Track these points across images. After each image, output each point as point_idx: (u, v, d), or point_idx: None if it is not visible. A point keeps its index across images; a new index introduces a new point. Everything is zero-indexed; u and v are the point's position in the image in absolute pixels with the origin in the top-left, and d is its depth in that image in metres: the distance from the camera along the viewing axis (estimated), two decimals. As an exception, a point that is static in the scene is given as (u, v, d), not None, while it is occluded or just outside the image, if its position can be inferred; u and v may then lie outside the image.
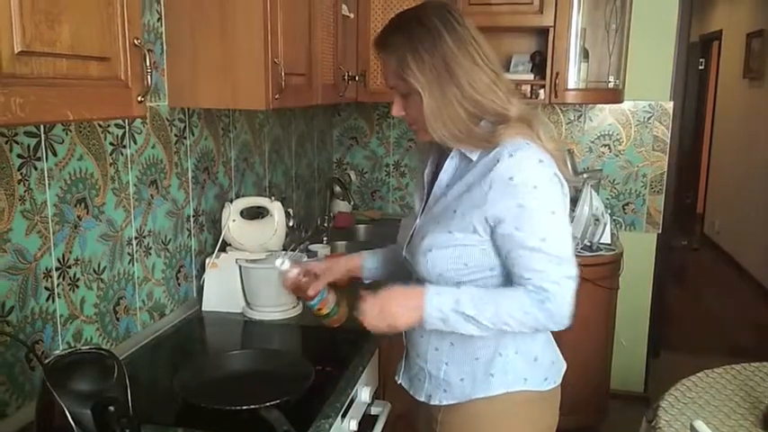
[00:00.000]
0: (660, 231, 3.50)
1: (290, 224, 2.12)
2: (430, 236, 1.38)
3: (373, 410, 1.82)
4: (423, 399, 1.52)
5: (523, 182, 1.27)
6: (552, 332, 1.48)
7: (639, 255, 3.45)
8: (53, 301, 1.49)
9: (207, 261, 2.08)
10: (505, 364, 1.41)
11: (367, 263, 1.68)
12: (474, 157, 1.34)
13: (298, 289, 1.56)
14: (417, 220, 1.47)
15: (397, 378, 1.63)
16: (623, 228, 3.50)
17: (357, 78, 2.88)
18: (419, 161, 1.58)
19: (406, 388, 1.59)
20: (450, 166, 1.40)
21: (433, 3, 1.39)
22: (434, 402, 1.48)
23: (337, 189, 3.24)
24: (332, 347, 1.85)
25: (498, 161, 1.29)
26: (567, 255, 1.30)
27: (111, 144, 1.66)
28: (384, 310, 1.34)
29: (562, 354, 1.55)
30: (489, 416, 1.43)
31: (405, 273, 1.52)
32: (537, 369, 1.43)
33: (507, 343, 1.40)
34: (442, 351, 1.46)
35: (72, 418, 1.07)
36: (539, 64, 3.25)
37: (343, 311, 1.60)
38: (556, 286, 1.28)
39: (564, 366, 1.53)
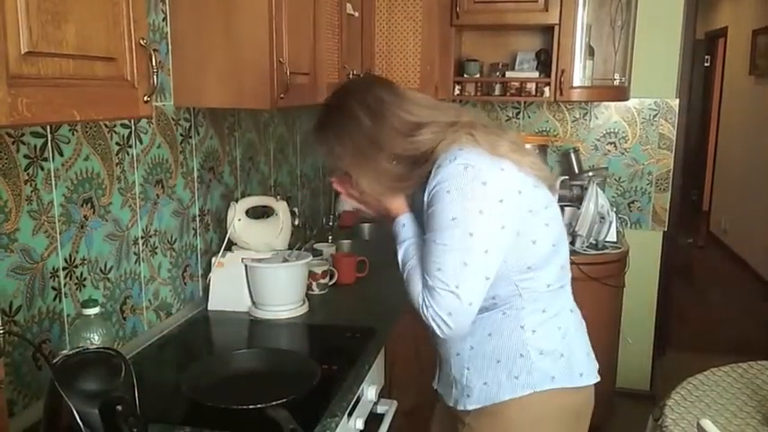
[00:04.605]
0: (666, 229, 3.50)
1: (296, 223, 2.12)
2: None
3: (379, 409, 1.82)
4: (451, 404, 1.53)
5: (441, 187, 1.33)
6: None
7: (645, 253, 3.44)
8: (60, 300, 1.49)
9: (213, 260, 2.08)
10: (529, 365, 1.41)
11: None
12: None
13: None
14: None
15: (434, 384, 1.64)
16: (629, 226, 3.49)
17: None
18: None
19: (441, 394, 1.60)
20: (415, 203, 1.48)
21: (351, 84, 1.61)
22: (460, 408, 1.49)
23: (342, 188, 3.23)
24: (338, 346, 1.85)
25: (431, 176, 1.36)
26: (450, 263, 1.31)
27: (117, 144, 1.67)
28: (375, 200, 1.49)
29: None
30: (517, 418, 1.43)
31: None
32: (567, 367, 1.44)
33: (528, 345, 1.41)
34: (463, 356, 1.47)
35: (80, 417, 1.07)
36: (544, 62, 3.25)
37: None
38: (431, 287, 1.32)
39: (593, 359, 1.55)
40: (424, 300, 1.34)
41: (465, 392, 1.47)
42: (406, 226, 1.46)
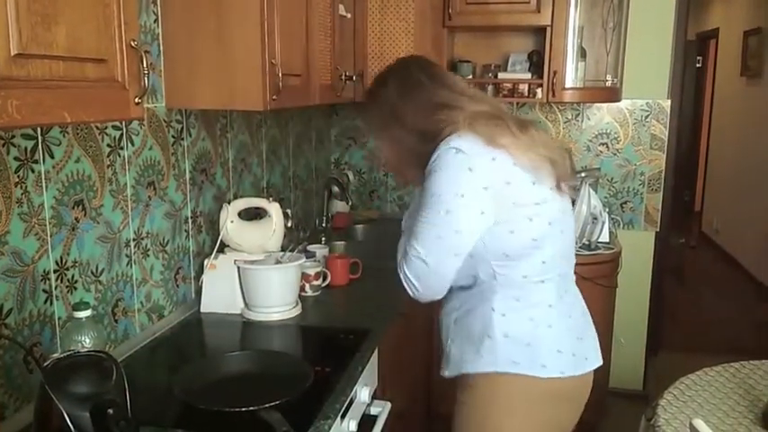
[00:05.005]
0: (658, 230, 3.51)
1: (289, 225, 2.12)
2: None
3: (373, 410, 1.82)
4: (442, 373, 1.66)
5: (433, 167, 1.45)
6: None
7: (638, 253, 3.45)
8: (51, 303, 1.49)
9: (205, 262, 2.07)
10: (494, 346, 1.50)
11: None
12: None
13: None
14: None
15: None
16: (621, 226, 3.50)
17: (355, 78, 2.87)
18: None
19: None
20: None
21: (399, 62, 1.67)
22: (444, 374, 1.64)
23: (335, 189, 3.23)
24: (331, 348, 1.85)
25: (431, 156, 1.48)
26: (425, 235, 1.46)
27: (108, 146, 1.66)
28: (397, 169, 1.75)
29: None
30: (487, 393, 1.54)
31: None
32: (530, 355, 1.49)
33: (495, 326, 1.50)
34: (449, 328, 1.62)
35: (70, 420, 1.07)
36: (536, 63, 3.25)
37: None
38: (409, 253, 1.50)
39: (588, 362, 1.56)
40: (401, 262, 1.53)
41: (447, 360, 1.63)
42: (415, 198, 1.61)
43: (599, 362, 1.60)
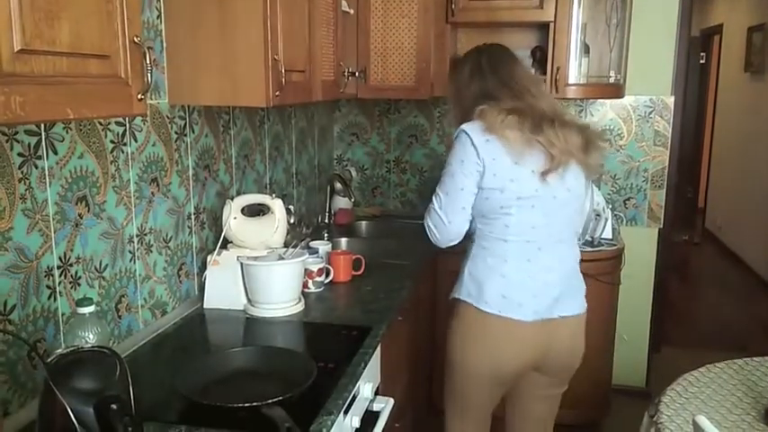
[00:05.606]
0: (661, 226, 3.50)
1: (291, 221, 2.12)
2: None
3: (375, 407, 1.82)
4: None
5: (452, 142, 1.94)
6: None
7: (641, 250, 3.44)
8: (55, 299, 1.49)
9: (208, 258, 2.08)
10: (462, 279, 1.99)
11: None
12: None
13: None
14: None
15: None
16: (624, 223, 3.50)
17: (357, 74, 2.87)
18: None
19: None
20: None
21: (477, 48, 2.11)
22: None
23: (338, 185, 3.23)
24: (334, 344, 1.85)
25: None
26: (439, 191, 1.93)
27: (111, 142, 1.66)
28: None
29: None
30: (460, 311, 1.99)
31: None
32: (479, 292, 1.92)
33: (465, 266, 1.99)
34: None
35: (74, 416, 1.07)
36: (539, 59, 3.24)
37: None
38: (431, 205, 1.97)
39: (532, 310, 1.89)
40: (426, 215, 1.99)
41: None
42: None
43: (538, 316, 1.90)
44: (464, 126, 1.88)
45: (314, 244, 2.47)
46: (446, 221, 1.91)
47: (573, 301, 1.98)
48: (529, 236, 1.89)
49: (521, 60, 2.11)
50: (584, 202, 2.06)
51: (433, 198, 1.95)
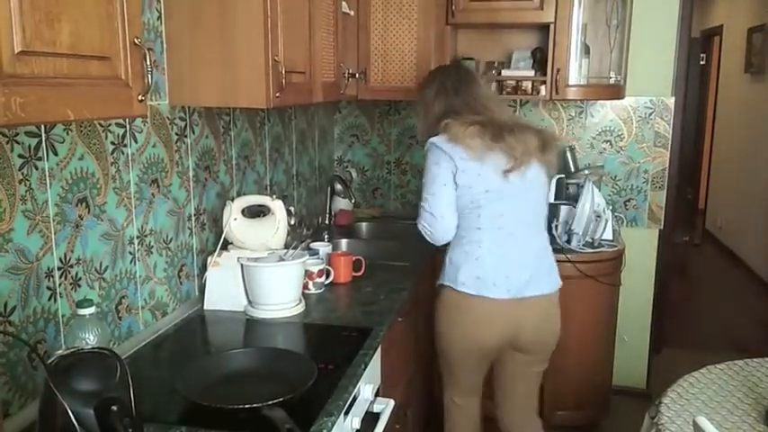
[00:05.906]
0: (662, 227, 3.50)
1: (292, 222, 2.12)
2: None
3: (376, 408, 1.82)
4: None
5: (425, 153, 2.18)
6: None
7: (641, 251, 3.44)
8: (55, 300, 1.49)
9: (208, 260, 2.08)
10: (444, 266, 2.21)
11: None
12: None
13: None
14: None
15: None
16: (625, 224, 3.50)
17: (358, 76, 2.88)
18: None
19: None
20: None
21: (441, 69, 2.46)
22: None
23: (338, 187, 3.23)
24: (334, 345, 1.85)
25: None
26: (425, 195, 2.15)
27: (111, 143, 1.66)
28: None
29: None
30: (442, 295, 2.23)
31: None
32: (455, 274, 2.15)
33: (448, 253, 2.20)
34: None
35: (75, 417, 1.07)
36: (540, 60, 3.24)
37: None
38: (420, 210, 2.18)
39: (505, 289, 2.10)
40: (418, 216, 2.18)
41: None
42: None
43: (510, 295, 2.10)
44: (432, 139, 2.15)
45: (314, 245, 2.47)
46: (438, 216, 2.12)
47: (544, 281, 2.19)
48: (499, 223, 2.13)
49: (480, 80, 2.39)
50: (547, 191, 2.33)
51: (421, 204, 2.16)
